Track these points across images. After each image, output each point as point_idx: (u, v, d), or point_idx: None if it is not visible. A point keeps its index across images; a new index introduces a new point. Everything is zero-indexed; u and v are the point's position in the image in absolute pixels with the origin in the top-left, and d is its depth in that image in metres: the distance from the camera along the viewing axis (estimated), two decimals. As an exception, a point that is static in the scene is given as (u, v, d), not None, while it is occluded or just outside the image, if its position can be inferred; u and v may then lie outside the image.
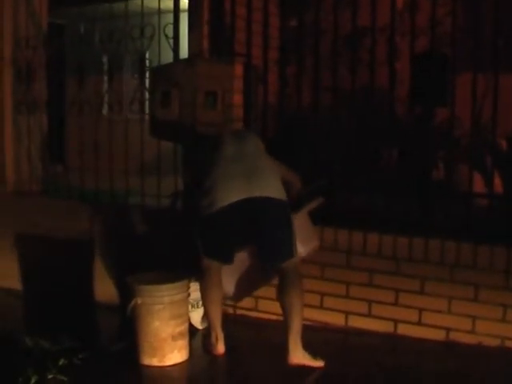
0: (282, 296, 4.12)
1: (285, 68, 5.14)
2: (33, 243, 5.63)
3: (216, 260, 4.21)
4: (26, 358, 4.15)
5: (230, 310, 5.00)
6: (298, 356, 4.07)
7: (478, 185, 5.25)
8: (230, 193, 4.03)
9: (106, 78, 8.45)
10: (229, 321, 4.73)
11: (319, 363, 4.10)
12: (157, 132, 5.00)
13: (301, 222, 4.26)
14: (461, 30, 4.88)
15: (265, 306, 4.85)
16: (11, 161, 5.77)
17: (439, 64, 4.74)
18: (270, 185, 4.10)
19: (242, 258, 4.28)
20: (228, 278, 4.31)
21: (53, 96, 6.19)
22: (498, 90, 4.54)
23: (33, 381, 3.88)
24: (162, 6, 5.26)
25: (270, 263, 4.19)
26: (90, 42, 5.63)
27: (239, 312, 5.02)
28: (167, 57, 5.29)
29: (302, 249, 4.23)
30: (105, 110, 6.18)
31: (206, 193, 4.09)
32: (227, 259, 4.22)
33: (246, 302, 4.89)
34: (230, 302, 4.84)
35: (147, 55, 6.35)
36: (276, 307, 4.23)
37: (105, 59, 7.81)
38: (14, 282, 5.68)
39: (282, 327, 4.10)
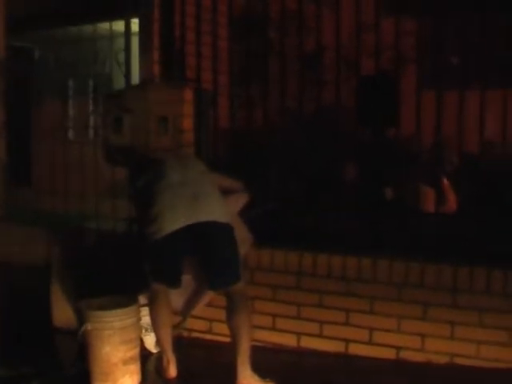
0: (229, 318, 4.16)
1: (235, 91, 5.19)
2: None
3: (164, 284, 4.25)
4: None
5: (185, 333, 5.02)
6: (247, 377, 4.09)
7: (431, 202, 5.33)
8: (175, 219, 4.07)
9: (70, 101, 8.48)
10: (184, 344, 4.82)
11: (269, 385, 4.14)
12: (109, 157, 5.02)
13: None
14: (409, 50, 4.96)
15: (219, 328, 4.85)
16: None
17: (385, 84, 4.80)
18: (215, 209, 4.16)
19: (188, 278, 4.37)
20: (175, 296, 4.38)
21: (21, 119, 6.22)
22: (442, 108, 4.63)
23: (-17, 408, 3.93)
24: (114, 28, 5.31)
25: (217, 287, 4.26)
26: (47, 66, 5.67)
27: (194, 335, 5.04)
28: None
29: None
30: (70, 134, 6.23)
31: (152, 220, 4.12)
32: (175, 283, 4.26)
33: (201, 324, 4.95)
34: (183, 327, 4.91)
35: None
36: (230, 330, 4.26)
37: (70, 83, 7.86)
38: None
39: (231, 349, 4.14)
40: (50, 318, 5.34)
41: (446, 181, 5.66)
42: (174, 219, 4.07)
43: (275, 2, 4.94)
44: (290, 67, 4.98)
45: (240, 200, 4.53)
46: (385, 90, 4.75)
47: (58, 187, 5.67)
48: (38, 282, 5.41)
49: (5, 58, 5.80)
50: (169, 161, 4.32)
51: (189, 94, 4.90)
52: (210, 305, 4.74)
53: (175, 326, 4.93)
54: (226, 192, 4.36)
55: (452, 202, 5.66)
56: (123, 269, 4.92)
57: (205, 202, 4.14)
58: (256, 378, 4.11)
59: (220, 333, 4.86)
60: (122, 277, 4.85)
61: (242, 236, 4.41)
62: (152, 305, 4.32)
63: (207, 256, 4.16)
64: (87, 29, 5.84)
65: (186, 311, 4.67)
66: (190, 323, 4.98)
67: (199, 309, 4.75)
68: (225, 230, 4.16)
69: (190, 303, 4.61)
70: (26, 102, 6.98)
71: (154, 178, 4.23)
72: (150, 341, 4.77)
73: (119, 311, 4.24)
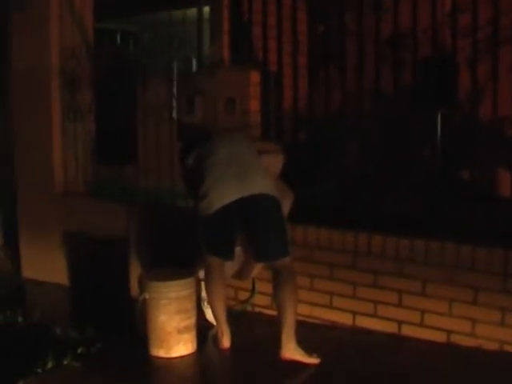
0: (275, 292, 4.30)
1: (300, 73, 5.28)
2: (77, 241, 6.01)
3: (218, 257, 4.44)
4: (52, 345, 4.54)
5: (250, 308, 5.21)
6: (291, 351, 4.21)
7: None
8: (225, 194, 4.25)
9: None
10: (247, 318, 5.08)
11: (314, 360, 4.22)
12: (182, 136, 5.26)
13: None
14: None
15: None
16: (59, 164, 6.12)
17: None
18: (263, 183, 4.32)
19: (240, 250, 4.57)
20: (227, 267, 4.58)
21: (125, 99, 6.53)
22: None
23: (49, 365, 4.29)
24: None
25: (263, 260, 4.45)
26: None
27: (257, 310, 5.20)
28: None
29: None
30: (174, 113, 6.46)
31: (203, 196, 4.32)
32: (228, 256, 4.46)
33: (262, 300, 5.09)
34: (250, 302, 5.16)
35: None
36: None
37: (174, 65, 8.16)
38: (61, 277, 6.11)
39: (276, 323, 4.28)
40: (129, 288, 5.65)
41: None
42: (224, 194, 4.26)
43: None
44: (351, 48, 5.02)
45: (277, 159, 4.66)
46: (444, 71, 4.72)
47: (160, 166, 5.92)
48: (118, 254, 5.73)
49: (93, 44, 6.11)
50: (217, 138, 4.50)
51: (255, 77, 5.05)
52: (271, 280, 4.88)
53: (243, 302, 5.15)
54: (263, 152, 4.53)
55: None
56: (187, 243, 5.13)
57: (252, 176, 4.30)
58: (300, 351, 4.22)
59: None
60: (185, 251, 5.06)
61: (283, 194, 4.52)
62: (207, 277, 4.52)
63: (255, 229, 4.32)
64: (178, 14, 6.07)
65: (239, 279, 4.88)
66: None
67: (249, 280, 4.97)
68: (272, 203, 4.31)
69: (242, 274, 4.80)
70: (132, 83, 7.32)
71: (202, 156, 4.41)
72: (211, 313, 4.95)
73: (175, 282, 4.46)
